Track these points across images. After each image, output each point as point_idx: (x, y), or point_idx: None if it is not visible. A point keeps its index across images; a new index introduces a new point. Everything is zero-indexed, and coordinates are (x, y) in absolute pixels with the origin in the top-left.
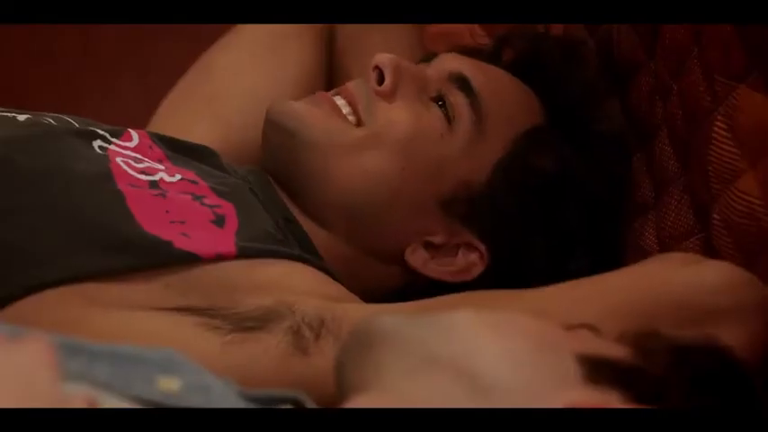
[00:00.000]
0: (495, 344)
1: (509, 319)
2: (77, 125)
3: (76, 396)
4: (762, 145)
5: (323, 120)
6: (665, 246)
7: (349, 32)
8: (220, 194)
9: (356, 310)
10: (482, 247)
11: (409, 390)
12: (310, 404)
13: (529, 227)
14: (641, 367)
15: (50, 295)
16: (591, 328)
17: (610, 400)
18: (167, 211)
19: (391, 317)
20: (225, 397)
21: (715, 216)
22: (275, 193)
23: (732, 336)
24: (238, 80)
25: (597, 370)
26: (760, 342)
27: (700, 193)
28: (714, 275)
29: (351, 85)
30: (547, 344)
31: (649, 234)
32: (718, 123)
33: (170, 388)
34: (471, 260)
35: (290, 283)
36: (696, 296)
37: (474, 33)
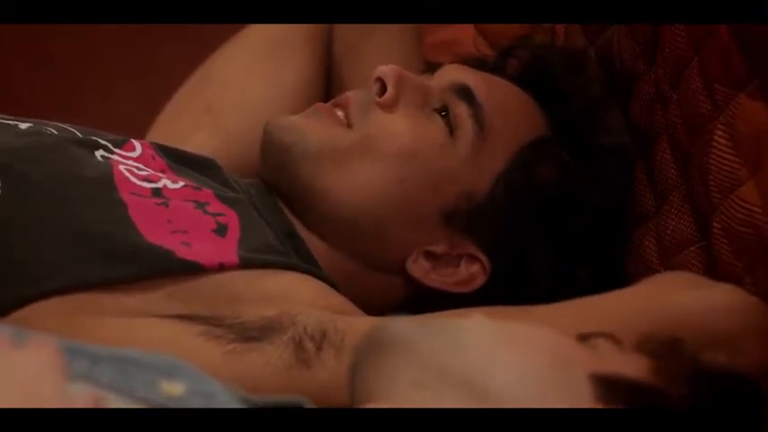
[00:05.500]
0: (508, 359)
1: (524, 332)
2: (80, 135)
3: (82, 396)
4: (762, 153)
5: (321, 130)
6: (666, 254)
7: (346, 39)
8: (224, 201)
9: (359, 323)
10: (484, 258)
11: (419, 400)
12: None
13: (531, 238)
14: (658, 389)
15: (51, 304)
16: (610, 337)
17: None
18: (169, 221)
19: (406, 323)
20: (228, 403)
21: (715, 224)
22: (277, 206)
23: (744, 360)
24: (237, 88)
25: (610, 389)
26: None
27: (700, 202)
28: (726, 299)
29: (350, 94)
30: (560, 361)
31: (649, 242)
32: (719, 132)
33: (173, 392)
34: (473, 271)
35: (293, 294)
36: (711, 319)
37: (477, 43)
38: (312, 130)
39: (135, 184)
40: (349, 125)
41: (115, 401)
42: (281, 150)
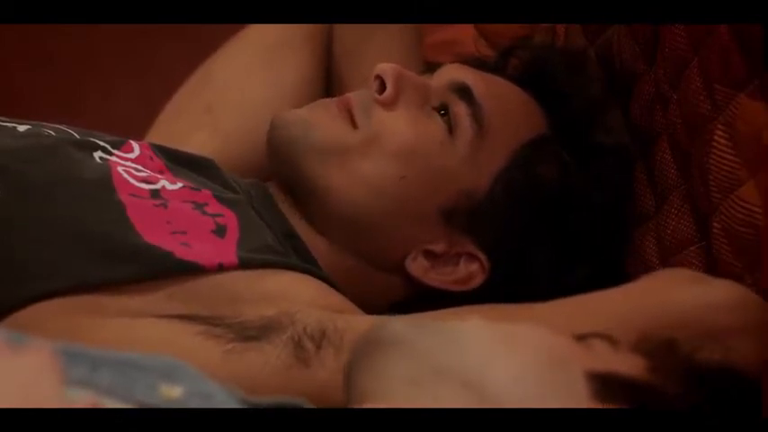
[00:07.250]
0: (505, 359)
1: (521, 332)
2: (78, 136)
3: (81, 401)
4: (762, 153)
5: (327, 123)
6: (665, 254)
7: (346, 40)
8: (223, 201)
9: (359, 322)
10: (483, 257)
11: (416, 399)
12: None
13: (529, 237)
14: (654, 386)
15: (51, 305)
16: (606, 337)
17: None
18: (168, 222)
19: (403, 323)
20: (226, 403)
21: (715, 224)
22: (276, 207)
23: (742, 355)
24: (237, 89)
25: (607, 387)
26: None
27: (700, 202)
28: (725, 295)
29: (350, 95)
30: (557, 360)
31: (649, 242)
32: (719, 132)
33: (171, 395)
34: (472, 270)
35: (293, 294)
36: (710, 316)
37: (477, 44)
38: (318, 122)
39: (133, 185)
40: (354, 125)
41: (112, 406)
42: (287, 143)
